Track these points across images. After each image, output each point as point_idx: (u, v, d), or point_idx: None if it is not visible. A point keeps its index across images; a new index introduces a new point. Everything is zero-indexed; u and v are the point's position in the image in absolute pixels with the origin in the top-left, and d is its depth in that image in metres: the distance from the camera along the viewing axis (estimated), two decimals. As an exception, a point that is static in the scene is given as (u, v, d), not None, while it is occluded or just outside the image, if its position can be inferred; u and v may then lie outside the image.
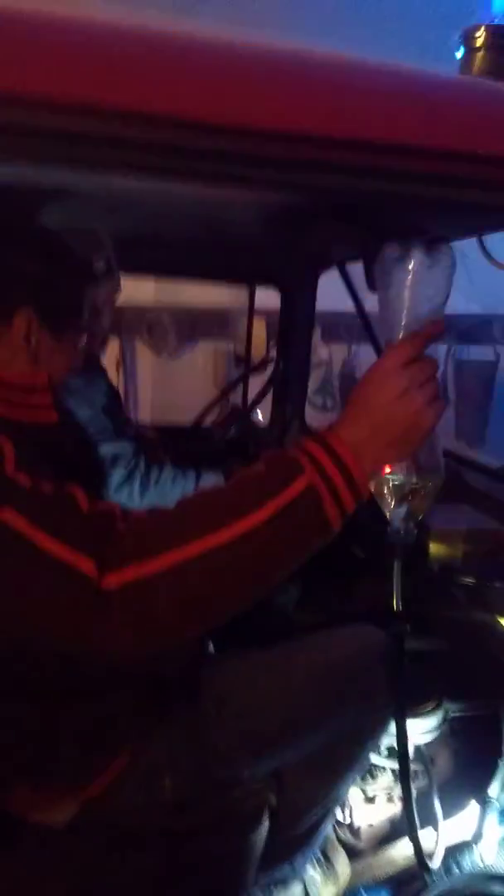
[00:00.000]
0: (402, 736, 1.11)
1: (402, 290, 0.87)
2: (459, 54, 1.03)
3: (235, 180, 1.01)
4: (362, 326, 2.53)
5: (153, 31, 0.88)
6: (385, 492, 0.91)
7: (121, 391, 4.60)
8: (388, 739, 1.61)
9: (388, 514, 0.93)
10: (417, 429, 0.82)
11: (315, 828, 1.33)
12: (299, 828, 1.30)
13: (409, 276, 0.87)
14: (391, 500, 0.91)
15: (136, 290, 3.66)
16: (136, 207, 1.69)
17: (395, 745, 1.61)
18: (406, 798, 1.13)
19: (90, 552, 0.76)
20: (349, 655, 1.25)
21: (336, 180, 0.94)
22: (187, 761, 1.10)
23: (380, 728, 1.28)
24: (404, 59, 0.96)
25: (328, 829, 1.40)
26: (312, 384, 4.61)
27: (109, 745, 1.06)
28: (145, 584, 0.75)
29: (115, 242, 1.88)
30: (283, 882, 1.38)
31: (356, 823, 1.66)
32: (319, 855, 1.51)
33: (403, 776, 1.12)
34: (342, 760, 1.26)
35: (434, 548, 1.64)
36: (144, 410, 4.06)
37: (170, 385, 3.28)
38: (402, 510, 0.92)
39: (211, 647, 1.51)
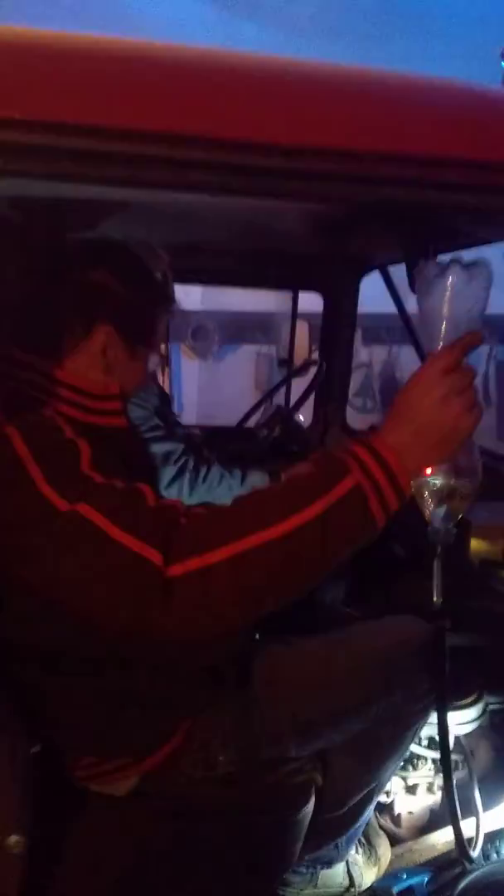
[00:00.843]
0: (443, 727, 1.16)
1: (442, 304, 0.94)
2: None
3: (285, 196, 1.08)
4: (405, 328, 2.58)
5: (214, 57, 0.96)
6: (425, 494, 0.96)
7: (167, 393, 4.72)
8: (429, 730, 1.66)
9: (427, 515, 0.99)
10: (457, 433, 0.88)
11: (358, 810, 1.39)
12: (343, 809, 1.36)
13: (448, 292, 0.93)
14: (431, 502, 0.97)
15: (184, 296, 3.75)
16: (187, 219, 1.78)
17: (435, 735, 1.67)
18: (447, 787, 1.18)
19: (157, 544, 0.84)
20: (392, 645, 1.31)
21: (382, 192, 1.00)
22: (239, 739, 1.17)
23: (420, 717, 1.34)
24: (451, 63, 1.01)
25: (370, 813, 1.45)
26: (353, 386, 4.67)
27: (168, 722, 1.14)
28: (206, 574, 0.82)
29: (167, 252, 1.98)
30: (328, 862, 1.45)
31: (397, 811, 1.72)
32: (362, 838, 1.57)
33: (445, 766, 1.17)
34: (383, 746, 1.32)
35: (475, 544, 1.69)
36: (189, 413, 4.16)
37: (213, 387, 3.36)
38: (442, 511, 0.97)
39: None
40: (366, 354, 4.59)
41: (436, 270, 0.95)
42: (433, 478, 0.94)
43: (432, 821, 1.73)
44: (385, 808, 1.72)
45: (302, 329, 2.73)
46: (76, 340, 1.09)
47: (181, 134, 0.86)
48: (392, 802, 1.71)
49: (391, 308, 2.43)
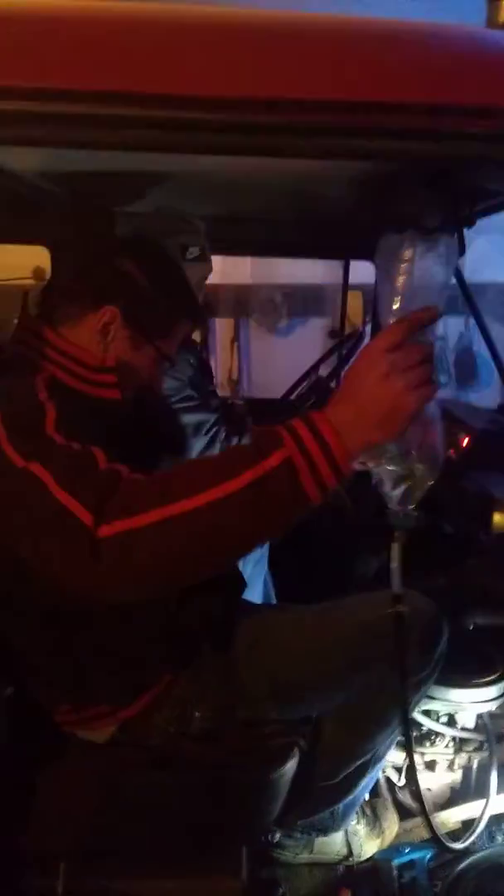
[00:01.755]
0: (405, 714, 1.15)
1: (395, 276, 0.90)
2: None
3: (332, 154, 1.05)
4: (463, 297, 2.48)
5: (245, 18, 0.94)
6: (382, 476, 0.95)
7: (235, 369, 4.76)
8: (447, 707, 1.63)
9: (386, 498, 0.97)
10: (399, 412, 0.85)
11: (353, 781, 1.38)
12: (336, 778, 1.36)
13: (403, 264, 0.90)
14: (386, 484, 0.95)
15: (233, 269, 3.75)
16: (231, 188, 1.78)
17: (453, 712, 1.63)
18: (411, 771, 1.15)
19: (91, 505, 0.87)
20: (383, 617, 1.29)
21: (427, 147, 0.97)
22: (216, 697, 1.20)
23: (413, 692, 1.31)
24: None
25: (368, 784, 1.44)
26: (427, 359, 4.53)
27: (144, 675, 1.18)
28: (131, 537, 0.84)
29: (212, 223, 1.99)
30: (324, 830, 1.46)
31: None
32: (368, 810, 1.56)
33: (408, 749, 1.16)
34: (373, 719, 1.30)
35: (499, 519, 1.62)
36: (258, 387, 4.18)
37: (280, 362, 3.36)
38: (398, 493, 0.95)
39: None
40: (440, 326, 4.42)
41: (393, 240, 0.92)
42: (386, 460, 0.93)
43: (452, 798, 1.70)
44: (405, 785, 1.70)
45: (357, 300, 2.67)
46: (83, 313, 1.14)
47: (204, 97, 0.86)
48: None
49: (469, 277, 2.34)
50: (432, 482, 0.95)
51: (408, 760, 1.23)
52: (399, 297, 0.89)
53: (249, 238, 2.36)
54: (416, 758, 1.68)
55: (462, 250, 2.22)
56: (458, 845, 1.46)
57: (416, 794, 1.17)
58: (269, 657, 1.24)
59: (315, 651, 1.25)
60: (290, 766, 1.23)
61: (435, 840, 1.31)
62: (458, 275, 2.37)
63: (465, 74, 0.90)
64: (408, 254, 0.89)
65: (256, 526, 0.86)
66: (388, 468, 0.94)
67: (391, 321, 0.89)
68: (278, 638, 1.27)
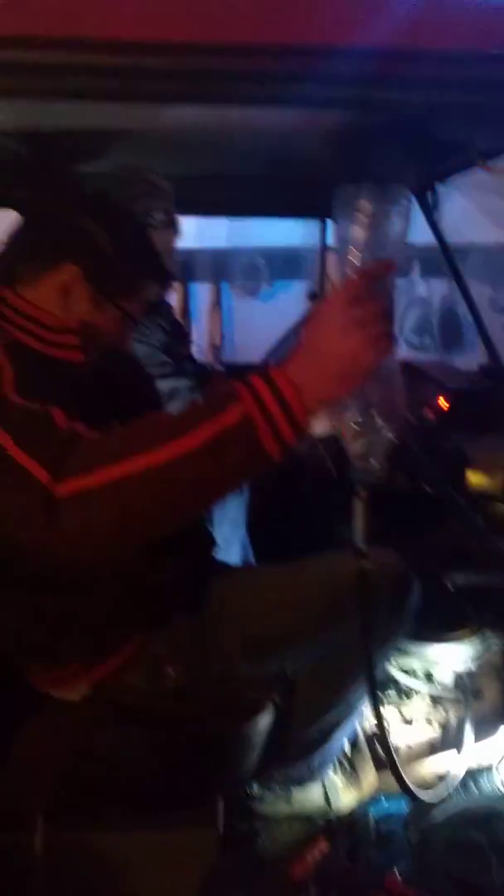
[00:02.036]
0: (370, 669, 1.15)
1: (353, 229, 0.89)
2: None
3: (303, 102, 1.03)
4: (444, 259, 2.46)
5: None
6: (344, 432, 0.95)
7: (217, 335, 4.73)
8: (425, 664, 1.65)
9: (349, 454, 0.97)
10: (358, 366, 0.84)
11: (328, 733, 1.40)
12: (312, 731, 1.38)
13: (361, 216, 0.88)
14: (348, 440, 0.95)
15: (210, 232, 3.68)
16: (198, 146, 1.75)
17: (431, 669, 1.66)
18: (380, 726, 1.17)
19: (48, 464, 0.86)
20: (351, 573, 1.29)
21: (401, 95, 0.95)
22: (188, 654, 1.21)
23: (383, 646, 1.32)
24: None
25: (344, 736, 1.46)
26: (410, 322, 4.51)
27: (116, 634, 1.19)
28: (87, 496, 0.83)
29: (180, 184, 1.95)
30: (301, 781, 1.48)
31: (393, 743, 1.72)
32: (346, 764, 1.59)
33: (374, 707, 1.17)
34: (346, 671, 1.31)
35: (473, 477, 1.63)
36: (242, 353, 4.15)
37: (264, 327, 3.33)
38: (360, 448, 0.95)
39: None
40: (424, 288, 4.39)
41: (350, 192, 0.90)
42: (347, 415, 0.93)
43: (431, 754, 1.73)
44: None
45: (336, 262, 2.63)
46: (40, 272, 1.12)
47: (176, 43, 0.85)
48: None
49: (454, 239, 2.31)
50: (394, 438, 0.95)
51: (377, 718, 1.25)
52: (356, 250, 0.88)
53: (220, 198, 2.31)
54: (395, 714, 1.72)
55: (435, 205, 2.20)
56: (433, 797, 1.48)
57: (385, 747, 1.18)
58: (241, 613, 1.25)
59: (286, 606, 1.26)
60: (264, 719, 1.25)
61: (406, 792, 1.33)
62: (440, 236, 2.35)
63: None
64: (365, 205, 0.88)
65: (215, 482, 0.86)
66: (350, 424, 0.94)
67: (349, 274, 0.88)
68: (249, 594, 1.28)
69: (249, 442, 0.83)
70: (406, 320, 4.29)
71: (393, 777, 1.61)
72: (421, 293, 4.38)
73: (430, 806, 1.51)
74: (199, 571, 1.27)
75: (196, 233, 3.01)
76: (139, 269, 1.19)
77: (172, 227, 1.78)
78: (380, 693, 1.66)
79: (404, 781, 1.28)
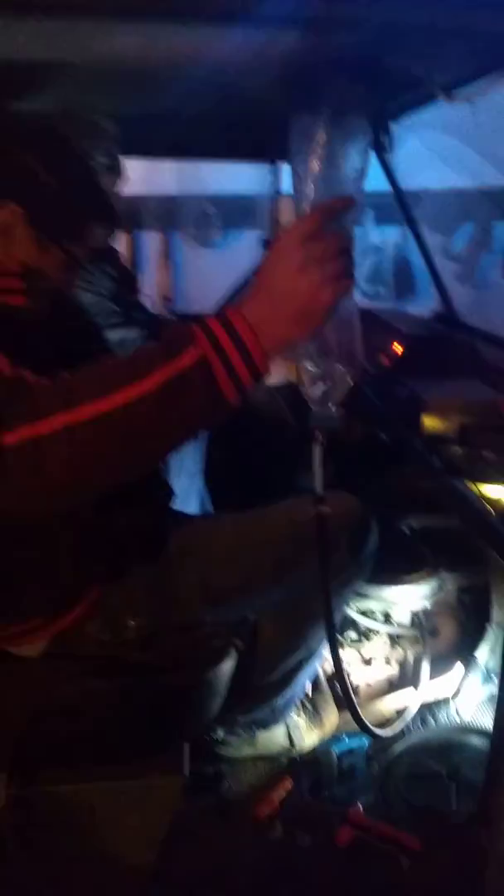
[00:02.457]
0: (328, 614, 1.15)
1: (309, 161, 0.85)
2: None
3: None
4: (398, 205, 2.43)
5: None
6: (303, 375, 0.93)
7: (170, 286, 4.62)
8: (383, 605, 1.68)
9: (306, 398, 0.95)
10: (316, 306, 0.80)
11: (291, 676, 1.43)
12: (275, 674, 1.40)
13: (317, 148, 0.85)
14: (306, 384, 0.93)
15: (158, 178, 3.54)
16: (141, 81, 1.66)
17: (389, 610, 1.69)
18: (337, 667, 1.19)
19: None
20: (310, 517, 1.30)
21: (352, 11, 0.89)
22: (148, 604, 1.20)
23: (340, 588, 1.34)
24: None
25: (306, 678, 1.49)
26: (364, 271, 4.48)
27: (75, 587, 1.17)
28: (37, 444, 0.79)
29: (125, 124, 1.86)
30: (265, 725, 1.51)
31: (354, 683, 1.77)
32: (308, 704, 1.62)
33: (333, 652, 1.18)
34: (307, 615, 1.33)
35: (428, 421, 1.63)
36: (194, 304, 4.07)
37: (216, 277, 3.26)
38: (318, 392, 0.93)
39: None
40: (377, 237, 4.35)
41: (306, 122, 0.86)
42: (305, 358, 0.91)
43: (389, 691, 1.78)
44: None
45: (289, 208, 2.58)
46: None
47: None
48: (348, 674, 1.76)
49: (407, 184, 2.27)
50: (352, 382, 0.94)
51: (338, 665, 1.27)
52: (312, 184, 0.85)
53: (167, 139, 2.22)
54: (355, 654, 1.76)
55: (390, 146, 2.15)
56: (390, 732, 1.53)
57: (343, 687, 1.20)
58: (200, 561, 1.25)
59: (245, 552, 1.26)
60: (227, 666, 1.25)
61: (365, 730, 1.37)
62: (393, 180, 2.32)
63: None
64: (321, 136, 0.84)
65: (170, 429, 0.83)
66: (308, 367, 0.92)
67: (307, 211, 0.85)
68: (208, 542, 1.27)
69: (206, 386, 0.80)
70: (360, 269, 4.25)
71: (352, 717, 1.68)
72: (374, 241, 4.34)
73: (390, 741, 1.56)
74: (157, 521, 1.26)
75: (143, 178, 2.89)
76: (85, 209, 1.14)
77: (116, 171, 1.71)
78: (340, 635, 1.70)
79: (362, 720, 1.31)
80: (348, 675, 1.28)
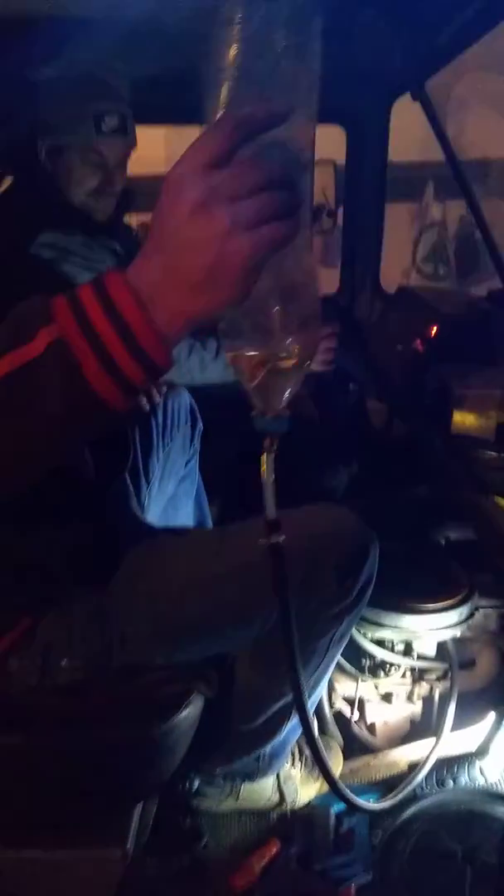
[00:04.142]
0: (290, 651, 0.89)
1: (225, 50, 0.59)
2: None
3: None
4: (450, 168, 2.13)
5: None
6: (241, 365, 0.67)
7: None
8: (402, 634, 1.42)
9: (247, 394, 0.70)
10: (227, 264, 0.54)
11: (277, 721, 1.19)
12: (256, 721, 1.17)
13: (236, 28, 0.58)
14: (245, 376, 0.68)
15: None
16: (154, 39, 1.44)
17: (410, 640, 1.43)
18: (300, 706, 0.93)
19: None
20: (297, 538, 1.04)
21: None
22: (87, 641, 0.99)
23: (330, 623, 1.09)
24: None
25: (296, 727, 1.24)
26: (423, 249, 4.13)
27: (2, 615, 0.97)
28: None
29: (136, 87, 1.64)
30: (249, 775, 1.28)
31: (370, 720, 1.52)
32: (306, 751, 1.39)
33: (295, 690, 0.92)
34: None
35: (460, 418, 1.35)
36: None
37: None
38: (261, 388, 0.68)
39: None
40: (438, 211, 3.99)
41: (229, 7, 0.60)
42: (246, 345, 0.66)
43: (412, 732, 1.52)
44: (360, 718, 1.53)
45: (326, 174, 2.31)
46: None
47: None
48: (365, 711, 1.51)
49: (473, 154, 1.98)
50: (304, 373, 0.68)
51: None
52: (226, 80, 0.59)
53: (179, 105, 1.98)
54: (371, 689, 1.51)
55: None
56: (389, 804, 1.27)
57: (314, 750, 0.94)
58: (152, 590, 1.02)
59: (206, 580, 1.02)
60: (186, 715, 1.02)
61: (349, 805, 1.11)
62: (445, 142, 2.02)
63: None
64: (242, 22, 0.58)
65: (22, 436, 0.60)
66: (246, 353, 0.68)
67: (211, 121, 0.59)
68: (164, 567, 1.04)
69: (65, 380, 0.56)
70: (418, 248, 3.90)
71: (360, 765, 1.43)
72: (435, 216, 3.99)
73: (399, 801, 1.30)
74: (103, 539, 1.03)
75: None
76: None
77: (127, 135, 1.45)
78: (354, 666, 1.45)
79: (342, 793, 1.05)
80: (319, 739, 0.99)
